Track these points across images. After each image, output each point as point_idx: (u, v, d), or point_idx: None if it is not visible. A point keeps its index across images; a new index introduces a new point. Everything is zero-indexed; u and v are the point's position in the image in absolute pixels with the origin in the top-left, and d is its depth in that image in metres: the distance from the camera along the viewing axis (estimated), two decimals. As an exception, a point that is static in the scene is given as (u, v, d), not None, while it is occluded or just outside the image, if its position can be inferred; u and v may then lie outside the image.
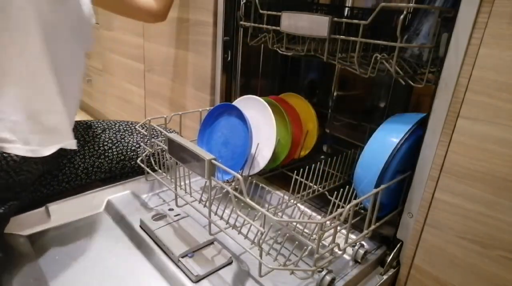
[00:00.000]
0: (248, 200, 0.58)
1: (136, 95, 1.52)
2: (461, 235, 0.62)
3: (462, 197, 0.61)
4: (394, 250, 0.70)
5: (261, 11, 0.83)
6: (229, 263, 0.65)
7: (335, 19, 0.68)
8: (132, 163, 0.92)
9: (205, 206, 0.72)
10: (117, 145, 0.89)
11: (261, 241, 0.58)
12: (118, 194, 0.84)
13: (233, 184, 0.78)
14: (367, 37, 0.66)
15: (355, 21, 0.66)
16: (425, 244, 0.67)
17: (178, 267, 0.63)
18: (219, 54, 1.01)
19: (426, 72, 0.66)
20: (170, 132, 0.93)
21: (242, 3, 0.91)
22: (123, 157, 0.90)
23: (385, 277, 0.69)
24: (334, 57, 0.74)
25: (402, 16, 0.60)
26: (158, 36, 1.26)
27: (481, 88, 0.56)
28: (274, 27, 0.81)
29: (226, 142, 0.86)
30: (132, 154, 0.92)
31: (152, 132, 0.93)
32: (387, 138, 0.70)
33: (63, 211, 0.76)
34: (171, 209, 0.76)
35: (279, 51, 0.84)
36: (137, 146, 0.93)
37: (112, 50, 1.63)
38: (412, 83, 0.67)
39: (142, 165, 0.84)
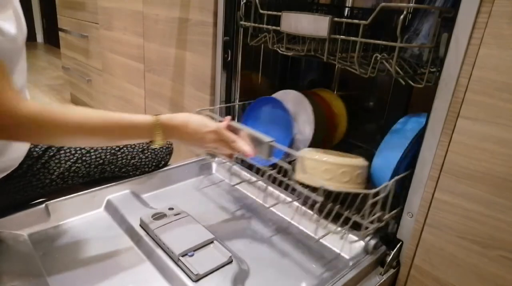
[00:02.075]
0: (306, 175, 0.70)
1: (136, 95, 1.52)
2: (461, 235, 0.62)
3: (462, 197, 0.61)
4: (394, 250, 0.70)
5: (261, 11, 0.83)
6: (229, 262, 0.65)
7: (335, 19, 0.69)
8: (112, 167, 0.86)
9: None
10: (95, 148, 0.85)
11: (317, 210, 0.67)
12: (118, 193, 0.84)
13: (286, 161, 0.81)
14: (367, 37, 0.66)
15: (355, 21, 0.66)
16: (425, 244, 0.67)
17: (178, 266, 0.63)
18: (219, 54, 1.02)
19: (426, 72, 0.66)
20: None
21: (242, 3, 0.92)
22: (101, 160, 0.85)
23: (385, 277, 0.69)
24: (334, 57, 0.74)
25: (402, 16, 0.60)
26: (158, 36, 1.26)
27: (481, 88, 0.56)
28: (274, 27, 0.82)
29: (267, 133, 0.86)
30: (112, 157, 0.86)
31: None
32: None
33: (63, 210, 0.76)
34: (171, 208, 0.76)
35: (279, 51, 0.84)
36: (117, 148, 0.88)
37: (112, 50, 1.63)
38: (412, 83, 0.67)
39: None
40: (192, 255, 0.64)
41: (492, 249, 0.59)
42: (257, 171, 0.95)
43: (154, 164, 0.93)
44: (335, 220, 0.72)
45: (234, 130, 0.75)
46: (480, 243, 0.60)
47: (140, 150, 0.90)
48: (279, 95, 0.99)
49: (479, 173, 0.58)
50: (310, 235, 0.78)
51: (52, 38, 4.81)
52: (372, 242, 0.70)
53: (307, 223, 0.81)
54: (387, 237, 0.73)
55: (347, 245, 0.74)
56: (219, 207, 0.87)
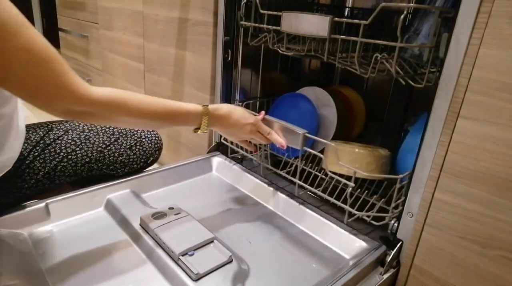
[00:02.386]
0: (340, 163, 0.76)
1: (136, 95, 1.52)
2: (461, 235, 0.62)
3: (462, 197, 0.61)
4: (394, 250, 0.70)
5: (261, 11, 0.83)
6: (229, 262, 0.65)
7: (336, 19, 0.69)
8: (99, 165, 0.85)
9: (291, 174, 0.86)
10: (81, 146, 0.83)
11: (350, 193, 0.73)
12: (118, 192, 0.84)
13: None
14: (367, 37, 0.66)
15: (356, 21, 0.66)
16: (425, 244, 0.67)
17: (178, 265, 0.63)
18: (219, 54, 1.02)
19: (426, 72, 0.66)
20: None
21: (242, 3, 0.92)
22: (88, 159, 0.84)
23: (385, 276, 0.69)
24: (334, 57, 0.74)
25: (402, 16, 0.60)
26: (158, 36, 1.26)
27: (481, 88, 0.56)
28: (274, 27, 0.82)
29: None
30: (98, 155, 0.85)
31: None
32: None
33: (63, 209, 0.76)
34: (171, 208, 0.76)
35: (279, 51, 0.84)
36: (104, 146, 0.86)
37: (112, 50, 1.63)
38: (412, 83, 0.67)
39: (227, 143, 1.01)
40: (192, 255, 0.64)
41: (492, 249, 0.59)
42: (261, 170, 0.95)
43: (142, 160, 0.92)
44: (362, 205, 0.77)
45: (268, 123, 0.83)
46: (480, 243, 0.60)
47: (127, 146, 0.89)
48: (304, 91, 1.03)
49: (479, 173, 0.58)
50: (310, 235, 0.79)
51: (52, 38, 4.82)
52: (396, 224, 0.73)
53: (307, 223, 0.81)
54: (387, 237, 0.73)
55: (348, 245, 0.74)
56: (219, 207, 0.87)
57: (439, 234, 0.65)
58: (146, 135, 0.94)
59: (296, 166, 0.86)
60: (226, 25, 0.97)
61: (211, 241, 0.68)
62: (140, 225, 0.73)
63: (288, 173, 0.89)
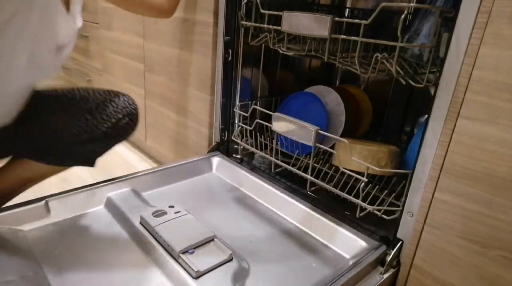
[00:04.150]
0: (353, 158, 0.77)
1: (136, 95, 1.52)
2: (461, 235, 0.62)
3: (462, 197, 0.61)
4: (394, 250, 0.70)
5: (262, 11, 0.83)
6: (229, 260, 0.65)
7: (336, 19, 0.69)
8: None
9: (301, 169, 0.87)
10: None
11: (362, 188, 0.74)
12: (118, 190, 0.84)
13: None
14: (367, 37, 0.66)
15: (356, 20, 0.66)
16: (425, 244, 0.67)
17: (179, 263, 0.63)
18: (220, 54, 1.02)
19: (427, 72, 0.66)
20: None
21: (243, 3, 0.92)
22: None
23: (385, 276, 0.69)
24: (334, 57, 0.74)
25: (402, 16, 0.61)
26: (158, 36, 1.26)
27: (481, 88, 0.56)
28: (275, 27, 0.82)
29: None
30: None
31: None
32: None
33: (63, 207, 0.76)
34: (171, 206, 0.76)
35: (280, 51, 0.85)
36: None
37: (112, 50, 1.63)
38: (412, 83, 0.68)
39: (238, 140, 1.01)
40: (192, 252, 0.64)
41: (492, 249, 0.59)
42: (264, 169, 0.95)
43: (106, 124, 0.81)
44: (372, 201, 0.77)
45: (280, 121, 0.85)
46: (480, 243, 0.60)
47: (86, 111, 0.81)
48: (313, 89, 1.04)
49: (479, 173, 0.58)
50: (310, 234, 0.79)
51: (52, 38, 4.80)
52: None
53: (308, 222, 0.81)
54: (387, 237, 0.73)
55: (348, 245, 0.74)
56: (220, 206, 0.87)
57: (439, 234, 0.65)
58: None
59: (306, 163, 0.87)
60: (226, 25, 0.97)
61: (211, 239, 0.68)
62: (140, 223, 0.73)
63: (298, 169, 0.89)
